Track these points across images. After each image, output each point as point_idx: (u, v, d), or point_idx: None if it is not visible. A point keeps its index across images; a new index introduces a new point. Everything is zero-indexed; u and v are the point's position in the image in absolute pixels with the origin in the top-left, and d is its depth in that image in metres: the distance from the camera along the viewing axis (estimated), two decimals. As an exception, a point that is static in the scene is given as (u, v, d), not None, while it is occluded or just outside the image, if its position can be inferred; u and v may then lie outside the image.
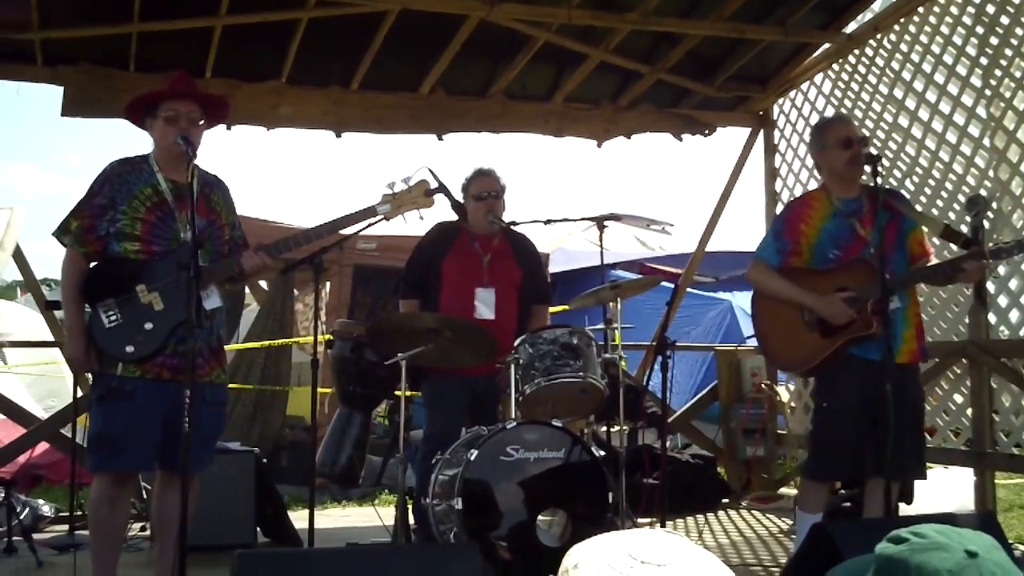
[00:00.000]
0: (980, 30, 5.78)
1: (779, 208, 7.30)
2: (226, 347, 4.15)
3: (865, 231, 4.15)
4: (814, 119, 7.17)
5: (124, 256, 3.73)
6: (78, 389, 5.45)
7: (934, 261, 4.36)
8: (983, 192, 5.73)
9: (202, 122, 3.87)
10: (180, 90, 3.87)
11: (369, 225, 4.04)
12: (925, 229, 4.64)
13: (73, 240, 3.78)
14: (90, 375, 3.92)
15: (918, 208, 6.19)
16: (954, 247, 4.48)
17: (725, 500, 7.22)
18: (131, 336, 3.66)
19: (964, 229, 5.76)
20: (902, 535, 1.57)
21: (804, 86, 7.30)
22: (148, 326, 3.67)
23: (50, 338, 6.77)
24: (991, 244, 5.42)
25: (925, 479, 4.38)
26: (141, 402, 3.65)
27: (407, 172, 4.03)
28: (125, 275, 3.71)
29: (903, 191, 6.31)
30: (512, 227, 5.20)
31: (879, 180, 3.95)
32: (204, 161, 3.84)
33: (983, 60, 5.77)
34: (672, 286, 7.06)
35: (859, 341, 4.09)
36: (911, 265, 4.23)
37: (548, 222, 5.57)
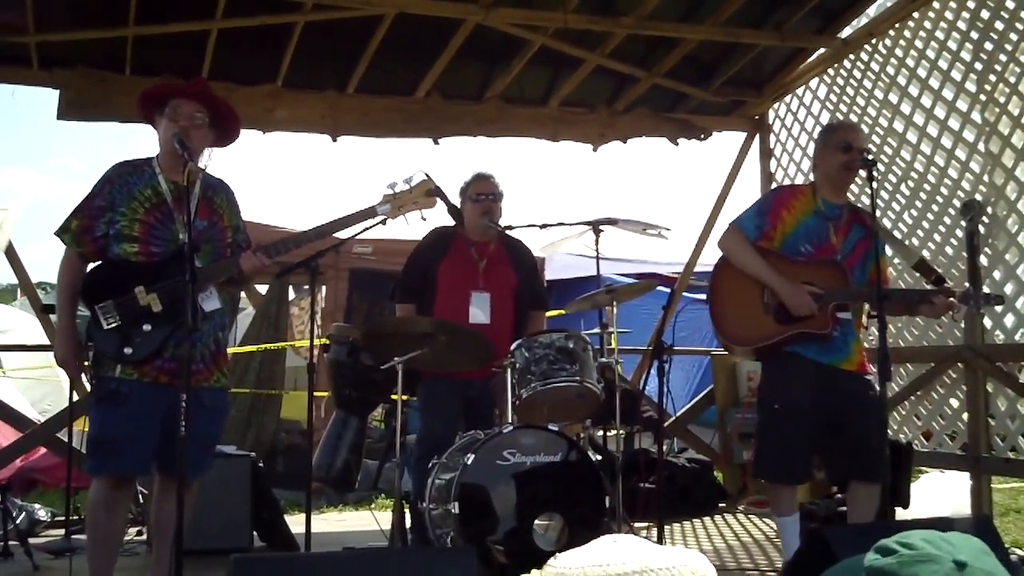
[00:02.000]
0: (975, 35, 5.79)
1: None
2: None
3: (836, 239, 4.23)
4: (809, 124, 7.20)
5: (123, 258, 3.73)
6: (74, 393, 5.44)
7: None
8: (978, 197, 5.74)
9: (206, 128, 3.84)
10: (191, 89, 3.86)
11: (368, 228, 4.03)
12: (896, 259, 4.63)
13: (71, 240, 3.78)
14: (87, 378, 3.91)
15: (912, 213, 6.24)
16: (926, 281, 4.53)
17: (721, 504, 7.22)
18: (129, 338, 3.65)
19: (959, 234, 5.79)
20: (890, 546, 1.56)
21: (800, 91, 7.31)
22: (146, 327, 3.67)
23: (46, 341, 6.76)
24: (986, 256, 5.47)
25: (883, 483, 4.42)
26: (138, 405, 3.64)
27: (407, 172, 4.02)
28: (124, 277, 3.70)
29: (898, 195, 6.35)
30: (508, 231, 5.20)
31: (874, 184, 3.97)
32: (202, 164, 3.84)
33: (978, 65, 5.79)
34: (668, 291, 7.08)
35: (810, 340, 4.14)
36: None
37: (544, 226, 5.56)
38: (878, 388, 3.80)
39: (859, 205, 4.10)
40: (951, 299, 4.10)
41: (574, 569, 1.62)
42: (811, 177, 6.99)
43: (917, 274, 5.40)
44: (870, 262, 4.18)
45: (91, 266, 3.82)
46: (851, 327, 4.19)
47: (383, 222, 4.00)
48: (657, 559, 1.60)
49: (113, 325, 3.66)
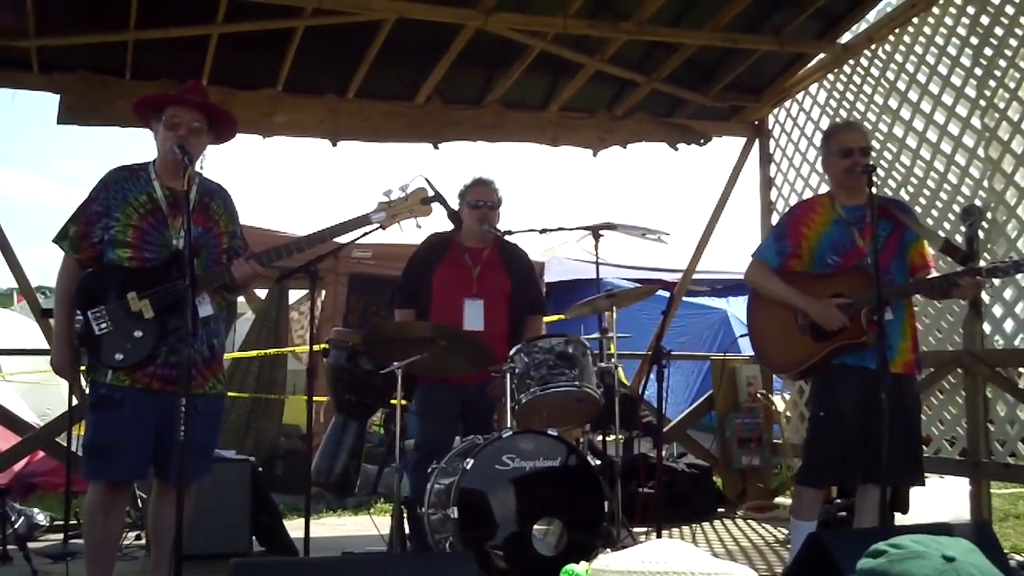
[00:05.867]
0: (974, 41, 5.80)
1: (775, 218, 7.32)
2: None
3: (864, 242, 4.18)
4: (809, 129, 7.20)
5: (117, 263, 3.73)
6: (73, 397, 5.43)
7: (934, 274, 4.36)
8: (978, 202, 5.74)
9: (205, 134, 3.84)
10: (187, 97, 3.84)
11: (365, 234, 4.03)
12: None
13: (69, 246, 3.79)
14: (86, 383, 3.91)
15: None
16: (953, 262, 4.51)
17: (720, 509, 7.21)
18: (121, 344, 3.66)
19: (959, 239, 5.78)
20: (880, 548, 1.63)
21: (799, 96, 7.31)
22: (137, 334, 3.67)
23: (45, 346, 6.75)
24: (986, 261, 5.46)
25: (923, 485, 4.39)
26: (131, 411, 3.64)
27: (404, 180, 4.01)
28: (117, 282, 3.70)
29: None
30: (507, 236, 5.20)
31: (874, 190, 3.96)
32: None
33: (977, 70, 5.79)
34: (668, 295, 7.08)
35: (852, 349, 4.12)
36: (910, 276, 4.25)
37: (543, 231, 5.57)
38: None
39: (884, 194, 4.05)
40: (978, 277, 4.10)
41: (620, 569, 1.65)
42: (811, 182, 7.08)
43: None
44: (906, 252, 4.21)
45: (85, 271, 3.81)
46: (897, 327, 4.14)
47: (381, 227, 4.00)
48: (703, 565, 1.62)
49: (105, 330, 3.66)
